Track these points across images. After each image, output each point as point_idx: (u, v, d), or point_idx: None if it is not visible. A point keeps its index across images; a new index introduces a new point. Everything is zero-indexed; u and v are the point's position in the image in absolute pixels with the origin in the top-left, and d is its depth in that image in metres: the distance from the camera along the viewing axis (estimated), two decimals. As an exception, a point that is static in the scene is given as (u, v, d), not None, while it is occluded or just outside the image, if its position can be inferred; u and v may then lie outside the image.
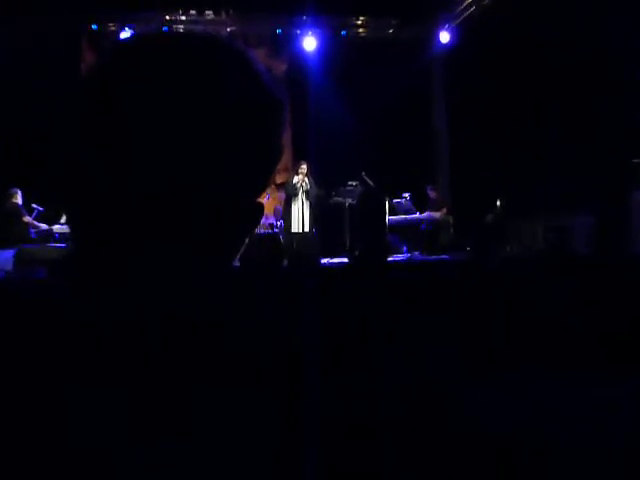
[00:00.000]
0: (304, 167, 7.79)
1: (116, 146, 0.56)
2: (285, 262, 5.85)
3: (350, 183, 8.03)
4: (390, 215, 7.71)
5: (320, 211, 7.90)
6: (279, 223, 8.40)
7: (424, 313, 2.09)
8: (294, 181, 7.86)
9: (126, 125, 0.56)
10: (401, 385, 0.80)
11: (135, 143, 0.56)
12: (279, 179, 8.75)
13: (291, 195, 7.90)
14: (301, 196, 7.76)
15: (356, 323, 1.06)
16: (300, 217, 7.83)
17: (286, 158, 8.65)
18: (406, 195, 8.37)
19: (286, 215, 8.01)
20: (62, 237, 5.87)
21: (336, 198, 7.97)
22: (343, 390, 0.70)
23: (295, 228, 7.77)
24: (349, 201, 7.68)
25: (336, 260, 6.54)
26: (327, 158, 8.16)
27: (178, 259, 0.59)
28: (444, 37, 8.46)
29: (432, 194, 8.74)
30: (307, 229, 7.84)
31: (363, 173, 8.04)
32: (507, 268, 3.08)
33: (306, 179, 7.87)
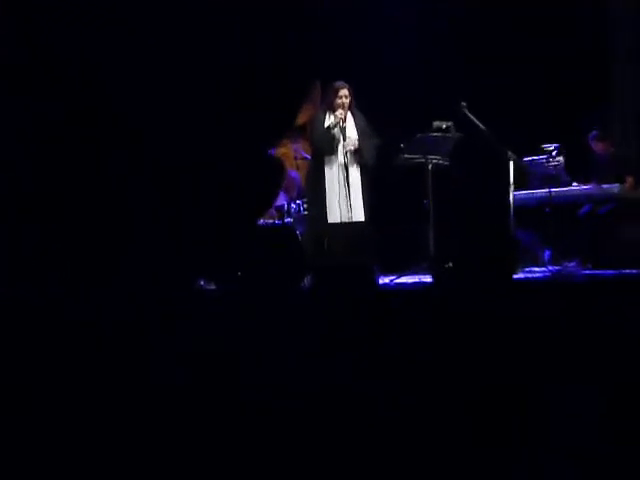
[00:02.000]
0: (344, 92, 5.44)
1: None
2: (306, 281, 4.42)
3: (437, 124, 5.46)
4: (517, 189, 5.66)
5: (379, 180, 5.67)
6: (295, 205, 6.32)
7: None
8: (327, 121, 5.47)
9: None
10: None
11: None
12: (301, 119, 6.63)
13: (321, 148, 5.45)
14: (341, 151, 5.41)
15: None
16: (338, 192, 5.37)
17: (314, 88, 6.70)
18: (550, 148, 5.67)
19: (312, 189, 5.56)
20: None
21: (408, 156, 5.51)
22: None
23: (330, 214, 5.35)
24: (435, 160, 5.55)
25: (409, 279, 5.14)
26: (388, 82, 6.50)
27: None
28: None
29: (601, 147, 5.87)
30: (353, 215, 5.37)
31: (463, 105, 5.44)
32: None
33: (350, 116, 5.51)
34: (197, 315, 3.41)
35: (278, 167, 6.68)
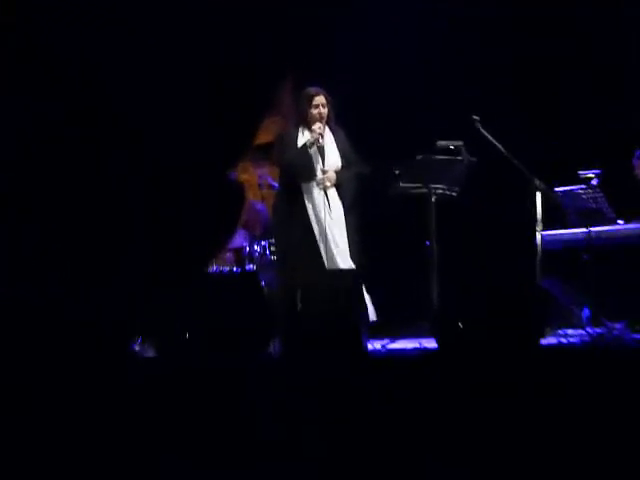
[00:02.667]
0: (321, 100, 5.43)
1: None
2: (273, 347, 4.62)
3: (443, 144, 5.49)
4: (547, 228, 5.73)
5: (369, 216, 5.67)
6: (259, 247, 6.31)
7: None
8: (301, 138, 5.44)
9: None
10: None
11: None
12: (263, 137, 6.79)
13: (294, 174, 5.43)
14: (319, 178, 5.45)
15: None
16: (317, 231, 5.33)
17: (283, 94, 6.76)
18: (589, 175, 5.63)
19: (281, 226, 5.54)
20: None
21: (406, 184, 5.57)
22: None
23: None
24: (440, 190, 5.64)
25: (406, 344, 5.22)
26: (378, 89, 6.74)
27: None
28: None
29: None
30: (336, 261, 5.31)
31: (476, 119, 5.52)
32: None
33: (328, 132, 5.49)
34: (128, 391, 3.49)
35: (236, 195, 6.72)
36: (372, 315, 5.25)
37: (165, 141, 6.52)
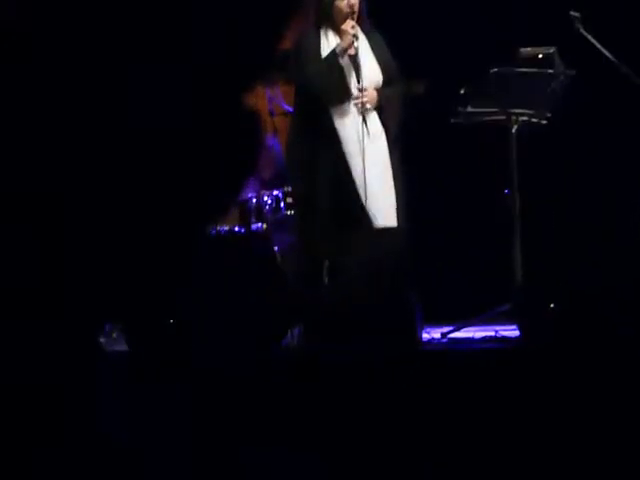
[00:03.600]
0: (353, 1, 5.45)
1: None
2: (293, 335, 4.74)
3: (528, 52, 5.55)
4: None
5: (423, 153, 5.95)
6: (271, 198, 6.48)
7: None
8: (325, 43, 5.45)
9: None
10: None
11: None
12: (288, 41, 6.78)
13: (319, 93, 5.41)
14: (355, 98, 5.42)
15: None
16: (351, 176, 5.32)
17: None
18: None
19: (302, 168, 5.54)
20: None
21: (475, 108, 5.60)
22: None
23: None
24: (525, 116, 5.72)
25: (475, 333, 5.36)
26: None
27: None
28: None
29: None
30: (377, 216, 5.28)
31: (576, 17, 5.51)
32: None
33: (362, 37, 5.46)
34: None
35: (254, 128, 6.81)
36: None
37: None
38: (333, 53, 5.34)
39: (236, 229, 6.29)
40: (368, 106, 5.31)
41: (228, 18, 6.82)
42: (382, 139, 5.41)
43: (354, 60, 5.38)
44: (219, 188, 6.80)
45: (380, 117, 5.42)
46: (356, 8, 5.38)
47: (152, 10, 6.83)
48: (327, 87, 5.34)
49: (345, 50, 5.34)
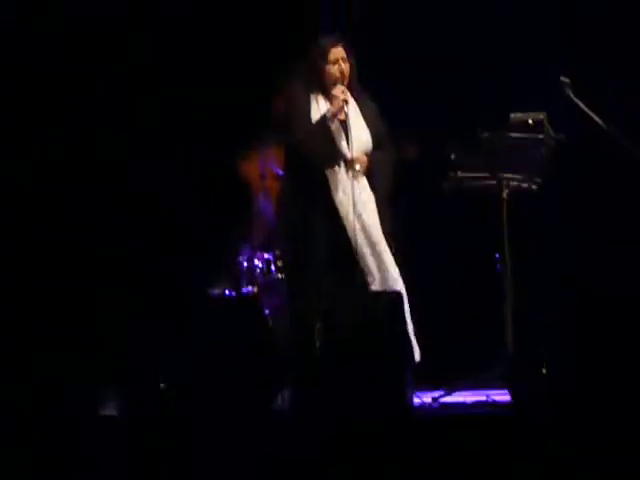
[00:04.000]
0: (340, 54, 5.42)
1: None
2: (283, 398, 4.82)
3: (518, 117, 5.58)
4: None
5: (414, 217, 6.00)
6: (261, 262, 6.52)
7: None
8: (316, 108, 5.49)
9: None
10: None
11: None
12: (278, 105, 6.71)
13: (311, 157, 5.44)
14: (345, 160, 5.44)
15: None
16: (342, 237, 5.34)
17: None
18: None
19: (293, 231, 5.55)
20: None
21: (465, 173, 5.62)
22: None
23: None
24: (515, 181, 5.76)
25: (466, 397, 5.38)
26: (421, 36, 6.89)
27: None
28: None
29: None
30: (370, 279, 5.34)
31: (565, 82, 5.55)
32: None
33: (351, 101, 5.50)
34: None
35: (241, 196, 6.84)
36: (415, 354, 5.26)
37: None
38: (323, 117, 5.36)
39: (226, 292, 6.25)
40: (357, 168, 5.30)
41: (221, 82, 6.90)
42: (372, 202, 5.39)
43: (344, 125, 5.38)
44: (211, 253, 6.82)
45: (370, 181, 5.40)
46: (347, 73, 5.43)
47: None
48: (317, 151, 5.36)
49: (335, 115, 5.37)
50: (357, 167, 5.35)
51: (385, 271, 5.32)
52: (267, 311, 5.48)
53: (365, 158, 5.39)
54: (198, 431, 3.91)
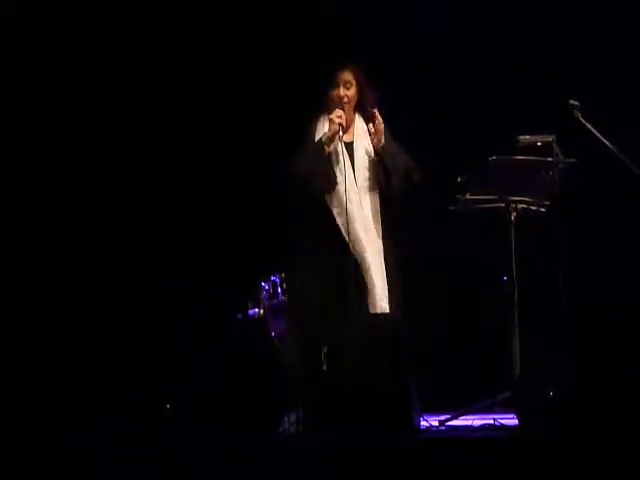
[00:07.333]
0: (346, 77, 5.47)
1: None
2: (289, 421, 4.79)
3: (527, 140, 5.59)
4: None
5: (420, 240, 6.02)
6: (267, 284, 6.47)
7: None
8: (320, 131, 5.58)
9: None
10: None
11: None
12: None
13: (309, 181, 5.48)
14: (350, 185, 5.39)
15: None
16: (347, 263, 5.36)
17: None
18: None
19: (297, 255, 5.59)
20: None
21: (474, 196, 5.66)
22: None
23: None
24: (524, 204, 5.82)
25: (473, 421, 5.37)
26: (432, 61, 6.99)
27: None
28: None
29: None
30: (375, 304, 5.31)
31: (575, 105, 5.58)
32: None
33: (360, 121, 5.68)
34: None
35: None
36: None
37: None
38: (319, 141, 5.40)
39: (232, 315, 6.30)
40: (371, 127, 5.38)
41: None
42: (378, 223, 5.40)
43: (349, 148, 5.42)
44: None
45: (383, 166, 5.37)
46: (349, 98, 5.47)
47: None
48: (311, 174, 5.34)
49: (331, 138, 5.37)
50: (370, 126, 5.38)
51: (389, 293, 5.26)
52: (273, 333, 5.48)
53: (379, 116, 5.36)
54: (202, 453, 3.97)
